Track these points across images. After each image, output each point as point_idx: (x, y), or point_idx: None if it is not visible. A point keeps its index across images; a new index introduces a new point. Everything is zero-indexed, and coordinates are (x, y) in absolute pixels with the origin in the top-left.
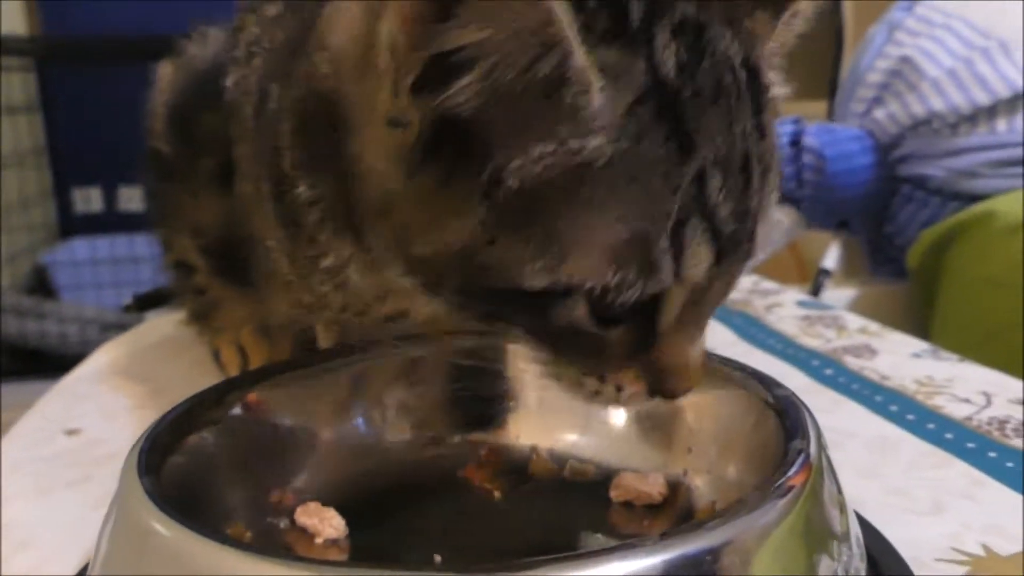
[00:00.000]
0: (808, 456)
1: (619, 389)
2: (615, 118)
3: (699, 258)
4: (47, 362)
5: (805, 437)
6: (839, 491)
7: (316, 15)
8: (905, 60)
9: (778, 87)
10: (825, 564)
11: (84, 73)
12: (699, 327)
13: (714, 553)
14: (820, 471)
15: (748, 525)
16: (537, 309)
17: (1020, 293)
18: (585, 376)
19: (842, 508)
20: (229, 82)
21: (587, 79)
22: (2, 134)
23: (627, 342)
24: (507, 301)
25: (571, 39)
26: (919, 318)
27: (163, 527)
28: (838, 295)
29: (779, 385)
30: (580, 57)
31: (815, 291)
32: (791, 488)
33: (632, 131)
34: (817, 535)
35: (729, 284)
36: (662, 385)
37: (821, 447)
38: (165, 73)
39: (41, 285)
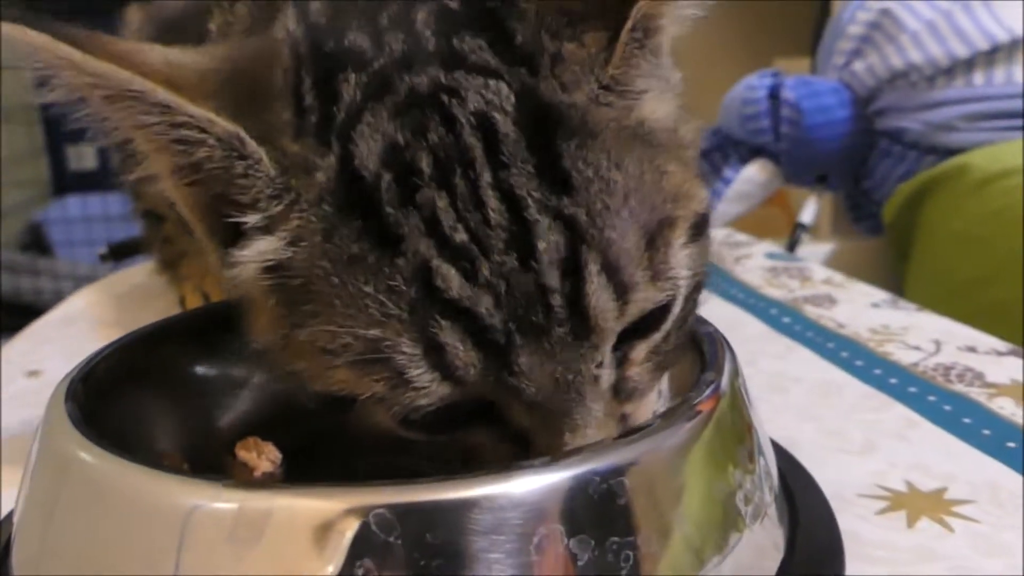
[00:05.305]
0: (718, 387)
1: None
2: (296, 216)
3: (461, 359)
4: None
5: (718, 369)
6: (753, 425)
7: None
8: (885, 12)
9: (600, 103)
10: (727, 490)
11: (78, 25)
12: (573, 421)
13: (619, 471)
14: (733, 403)
15: (654, 445)
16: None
17: (988, 247)
18: None
19: (754, 441)
20: (212, 25)
21: (262, 179)
22: None
23: (495, 442)
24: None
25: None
26: (895, 273)
27: (86, 453)
28: (815, 250)
29: (705, 323)
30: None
31: (792, 246)
32: (698, 413)
33: (319, 229)
34: (721, 462)
35: (580, 364)
36: None
37: (736, 382)
38: (134, 19)
39: (35, 242)
